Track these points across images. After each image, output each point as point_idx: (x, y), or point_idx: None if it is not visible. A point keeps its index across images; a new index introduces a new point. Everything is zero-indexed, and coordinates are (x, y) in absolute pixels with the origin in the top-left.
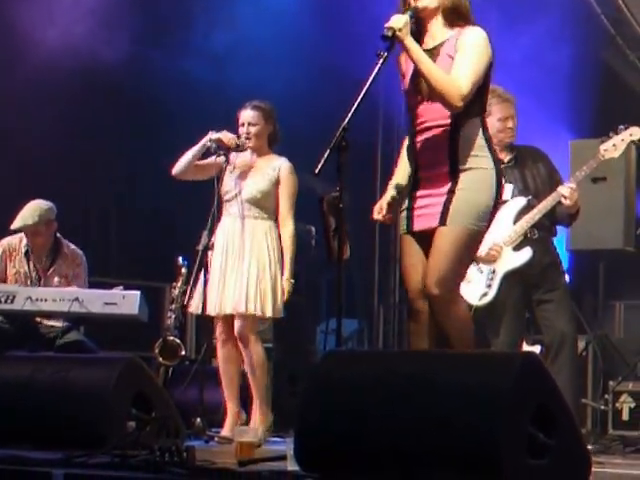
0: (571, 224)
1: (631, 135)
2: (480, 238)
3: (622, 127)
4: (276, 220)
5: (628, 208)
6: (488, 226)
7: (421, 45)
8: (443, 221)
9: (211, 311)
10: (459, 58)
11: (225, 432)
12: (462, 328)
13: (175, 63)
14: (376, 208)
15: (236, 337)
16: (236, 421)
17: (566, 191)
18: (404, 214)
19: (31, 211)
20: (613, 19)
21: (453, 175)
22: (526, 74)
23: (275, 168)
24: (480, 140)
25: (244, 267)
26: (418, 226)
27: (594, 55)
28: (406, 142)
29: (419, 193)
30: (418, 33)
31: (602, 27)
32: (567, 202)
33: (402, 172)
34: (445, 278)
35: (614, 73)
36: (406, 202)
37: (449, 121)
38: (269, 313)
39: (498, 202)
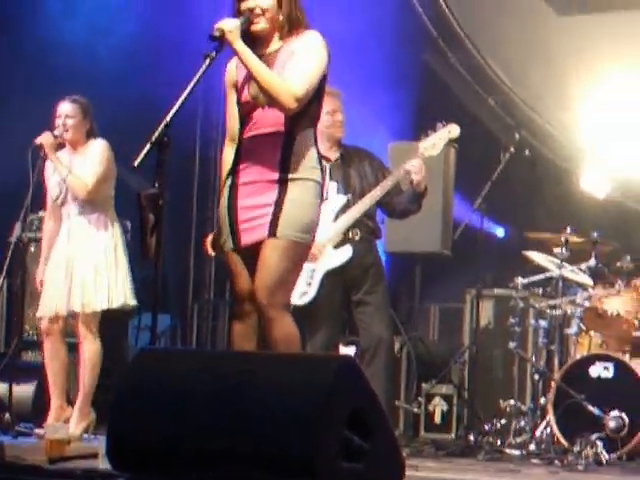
0: (419, 207)
1: (449, 132)
2: (307, 250)
3: (440, 124)
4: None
5: (446, 211)
6: (313, 238)
7: (258, 54)
8: (272, 232)
9: (46, 311)
10: (294, 61)
11: None
12: (290, 340)
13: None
14: (210, 243)
15: (63, 333)
16: (59, 417)
17: (415, 164)
18: (227, 230)
19: None
20: (435, 20)
21: (282, 183)
22: (346, 74)
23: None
24: (312, 151)
25: (79, 266)
26: (246, 240)
27: (416, 56)
28: (226, 155)
29: (242, 204)
30: (254, 44)
31: (424, 28)
32: (416, 176)
33: None
34: (275, 291)
35: (436, 75)
36: (226, 216)
37: (283, 129)
38: (111, 305)
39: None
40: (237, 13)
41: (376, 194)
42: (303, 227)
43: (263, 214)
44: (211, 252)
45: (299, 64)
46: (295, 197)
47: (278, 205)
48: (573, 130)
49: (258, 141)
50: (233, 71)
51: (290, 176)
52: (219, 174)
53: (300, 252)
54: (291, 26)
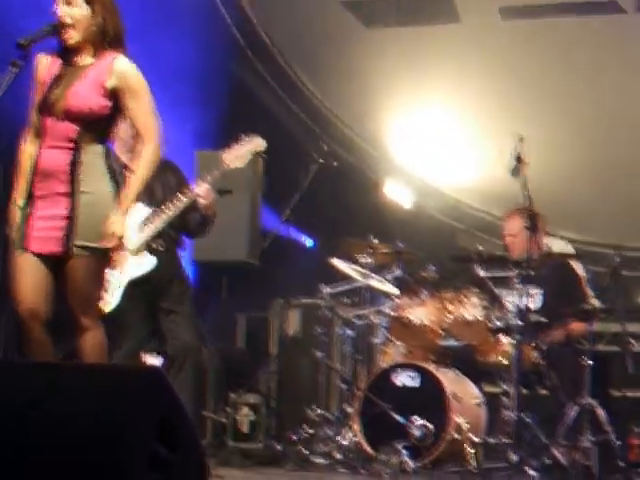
0: (207, 231)
1: (254, 145)
2: (107, 258)
3: (246, 137)
4: None
5: (253, 221)
6: (116, 246)
7: (70, 61)
8: (67, 247)
9: None
10: (137, 104)
11: None
12: (101, 350)
13: None
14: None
15: None
16: None
17: (202, 190)
18: (19, 230)
19: None
20: (243, 30)
21: (72, 198)
22: (152, 82)
23: None
24: (102, 164)
25: None
26: (37, 248)
27: (224, 66)
28: (27, 150)
29: (37, 213)
30: (67, 50)
31: (232, 37)
32: (204, 202)
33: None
34: (87, 301)
35: (244, 85)
36: (19, 217)
37: (72, 145)
38: None
39: None
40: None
41: (177, 206)
42: (100, 237)
43: (55, 227)
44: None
45: (145, 109)
46: (87, 211)
47: (70, 220)
48: (380, 140)
49: (50, 154)
50: (43, 68)
51: (80, 190)
52: (19, 167)
53: (101, 261)
54: (106, 38)
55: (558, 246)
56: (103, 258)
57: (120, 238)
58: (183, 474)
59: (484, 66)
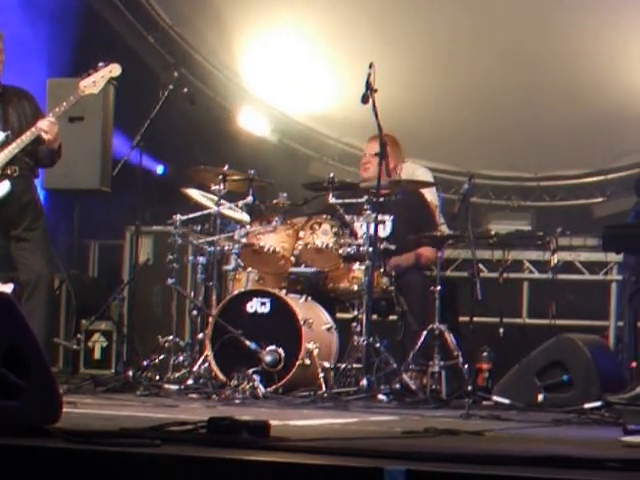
0: (54, 162)
1: (111, 72)
2: None
3: (102, 64)
4: None
5: (105, 148)
6: None
7: None
8: None
9: None
10: None
11: None
12: None
13: None
14: None
15: None
16: None
17: (45, 125)
18: None
19: None
20: None
21: None
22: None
23: None
24: None
25: None
26: None
27: None
28: None
29: None
30: None
31: None
32: (47, 136)
33: None
34: None
35: (95, 11)
36: None
37: None
38: None
39: None
40: None
41: (27, 136)
42: None
43: None
44: None
45: None
46: None
47: None
48: (233, 69)
49: None
50: None
51: None
52: None
53: None
54: None
55: (407, 173)
56: None
57: None
58: (32, 400)
59: None
